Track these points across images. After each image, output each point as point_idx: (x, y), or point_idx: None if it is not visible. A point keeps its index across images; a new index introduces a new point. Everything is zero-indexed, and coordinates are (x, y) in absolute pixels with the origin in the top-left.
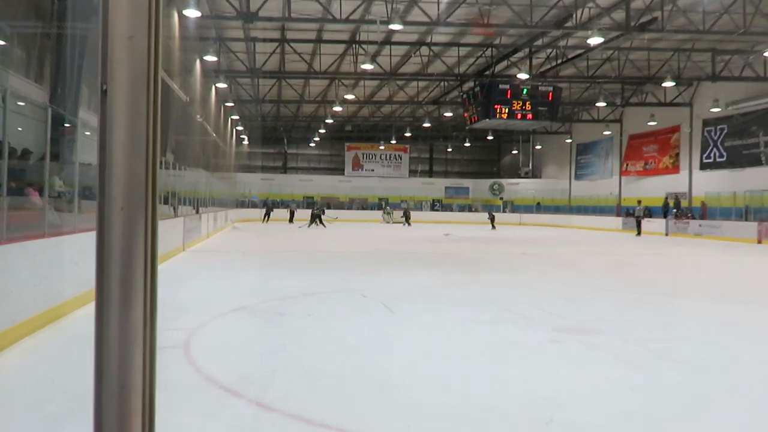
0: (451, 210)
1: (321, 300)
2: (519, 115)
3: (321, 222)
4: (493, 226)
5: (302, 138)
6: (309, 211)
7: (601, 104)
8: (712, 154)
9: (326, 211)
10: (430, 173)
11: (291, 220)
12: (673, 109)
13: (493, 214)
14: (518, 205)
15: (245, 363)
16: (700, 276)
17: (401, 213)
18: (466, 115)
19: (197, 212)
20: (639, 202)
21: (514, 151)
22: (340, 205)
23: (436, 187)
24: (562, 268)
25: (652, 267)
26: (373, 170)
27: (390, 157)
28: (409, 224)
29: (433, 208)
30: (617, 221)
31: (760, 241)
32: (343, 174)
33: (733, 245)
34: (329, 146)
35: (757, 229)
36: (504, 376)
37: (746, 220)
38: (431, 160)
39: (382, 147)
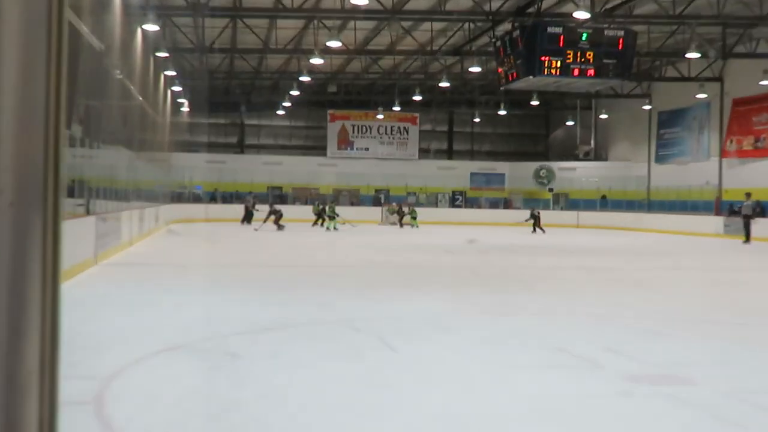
0: (479, 206)
1: (292, 336)
2: (576, 71)
3: (278, 223)
4: (537, 229)
5: (266, 104)
6: (276, 208)
7: (693, 55)
8: None
9: (335, 209)
10: (450, 154)
11: (248, 219)
12: None
13: (538, 212)
14: (575, 200)
15: (181, 427)
16: None
17: (407, 209)
18: (500, 70)
19: (116, 209)
20: (748, 195)
21: (570, 123)
22: (319, 200)
23: (458, 173)
24: (638, 290)
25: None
26: (367, 149)
27: (392, 131)
28: (411, 225)
29: (453, 203)
30: (717, 222)
31: None
32: (326, 154)
33: None
34: (305, 115)
35: None
36: None
37: None
38: (451, 136)
39: (380, 116)
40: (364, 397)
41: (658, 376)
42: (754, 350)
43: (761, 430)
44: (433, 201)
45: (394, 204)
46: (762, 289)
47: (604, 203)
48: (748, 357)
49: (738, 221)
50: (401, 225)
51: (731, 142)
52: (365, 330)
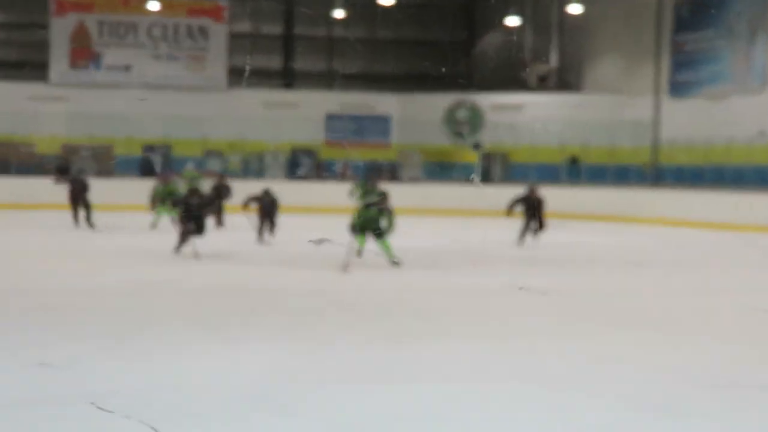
0: (342, 176)
1: None
2: None
3: None
4: (533, 223)
5: None
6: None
7: None
8: None
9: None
10: (288, 78)
11: None
12: None
13: (535, 193)
14: (522, 165)
15: None
16: None
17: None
18: None
19: None
20: None
21: (512, 21)
22: (35, 162)
23: (304, 114)
24: (640, 332)
25: None
26: (128, 68)
27: (178, 33)
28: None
29: (294, 171)
30: None
31: None
32: (47, 79)
33: None
34: (7, 3)
35: None
36: None
37: None
38: (289, 45)
39: (154, 5)
40: None
41: None
42: None
43: None
44: (258, 168)
45: (190, 166)
46: None
47: (575, 171)
48: None
49: None
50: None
51: None
52: (123, 413)
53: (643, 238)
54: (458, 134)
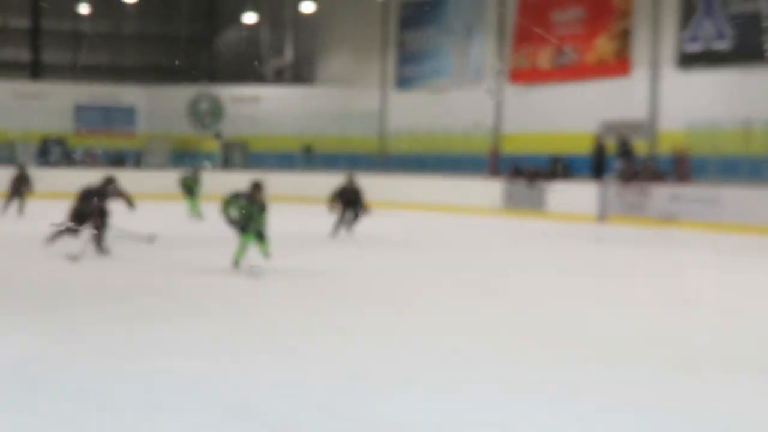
0: (94, 163)
1: None
2: None
3: None
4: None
5: None
6: None
7: None
8: (702, 32)
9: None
10: (36, 70)
11: None
12: None
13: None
14: (260, 154)
15: None
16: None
17: None
18: None
19: None
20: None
21: (250, 18)
22: None
23: (52, 104)
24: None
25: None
26: None
27: None
28: None
29: (44, 157)
30: (494, 189)
31: None
32: None
33: (742, 243)
34: None
35: None
36: None
37: None
38: (36, 37)
39: None
40: None
41: None
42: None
43: None
44: (10, 156)
45: None
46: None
47: (309, 159)
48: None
49: (522, 190)
50: None
51: (519, 56)
52: None
53: (375, 221)
54: (201, 124)
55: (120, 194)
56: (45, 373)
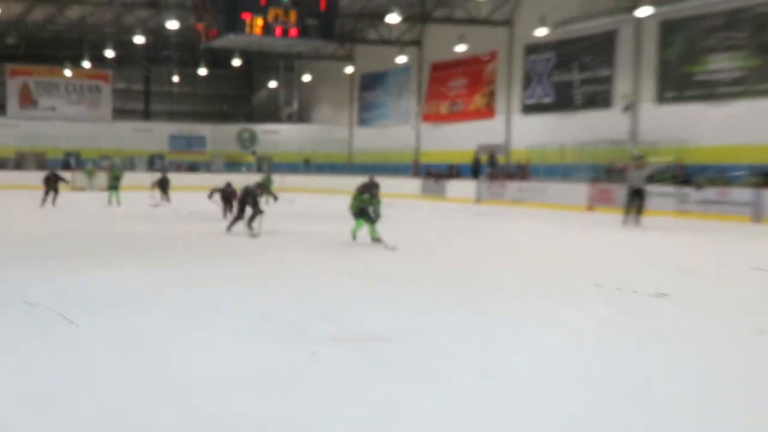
0: (181, 169)
1: None
2: (279, 30)
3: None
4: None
5: None
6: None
7: (394, 19)
8: (535, 93)
9: (119, 175)
10: (147, 114)
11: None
12: (487, 29)
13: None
14: (279, 163)
15: None
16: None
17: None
18: (200, 26)
19: None
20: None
21: (272, 84)
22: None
23: (156, 135)
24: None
25: (451, 248)
26: (54, 108)
27: (82, 89)
28: (112, 192)
29: (151, 166)
30: (415, 184)
31: (591, 208)
32: (5, 114)
33: (558, 215)
34: None
35: (588, 193)
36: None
37: (579, 181)
38: (148, 96)
39: (68, 73)
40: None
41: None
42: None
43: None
44: (129, 165)
45: (89, 165)
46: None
47: (307, 166)
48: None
49: (433, 184)
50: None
51: (430, 106)
52: (43, 305)
53: (323, 202)
54: (243, 146)
55: (266, 192)
56: (153, 296)
